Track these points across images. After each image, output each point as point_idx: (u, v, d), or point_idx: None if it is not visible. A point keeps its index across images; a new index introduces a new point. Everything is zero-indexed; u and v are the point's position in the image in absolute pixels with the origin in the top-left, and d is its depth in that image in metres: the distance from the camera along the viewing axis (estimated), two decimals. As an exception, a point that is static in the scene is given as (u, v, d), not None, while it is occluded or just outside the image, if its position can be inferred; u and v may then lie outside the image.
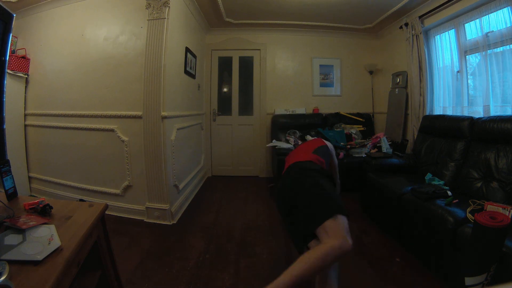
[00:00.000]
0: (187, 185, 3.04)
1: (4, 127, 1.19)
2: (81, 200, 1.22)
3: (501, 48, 2.30)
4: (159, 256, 1.94)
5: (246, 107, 4.20)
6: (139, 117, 2.42)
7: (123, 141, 2.50)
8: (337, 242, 1.08)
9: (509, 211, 1.46)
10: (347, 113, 4.04)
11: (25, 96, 2.92)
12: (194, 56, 3.32)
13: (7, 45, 1.12)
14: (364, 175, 2.66)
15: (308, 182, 1.39)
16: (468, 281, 1.22)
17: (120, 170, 2.55)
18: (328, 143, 1.92)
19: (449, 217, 1.58)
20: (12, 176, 1.14)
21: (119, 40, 2.52)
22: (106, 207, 1.14)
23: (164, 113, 2.38)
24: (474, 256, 1.23)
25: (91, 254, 1.04)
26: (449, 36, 2.91)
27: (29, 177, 3.02)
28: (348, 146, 3.42)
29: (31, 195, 2.95)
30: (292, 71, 4.20)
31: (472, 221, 1.37)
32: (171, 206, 2.51)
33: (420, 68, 3.15)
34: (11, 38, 1.16)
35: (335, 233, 1.12)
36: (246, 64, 4.17)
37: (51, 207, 1.04)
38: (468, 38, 2.69)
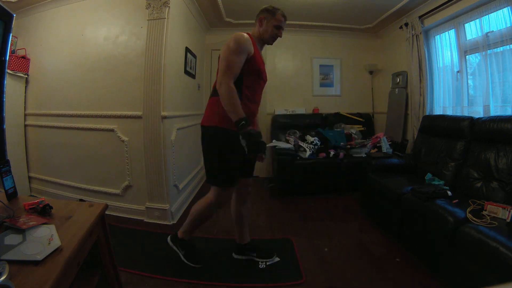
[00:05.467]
0: (187, 185, 3.04)
1: (4, 127, 1.19)
2: (81, 200, 1.21)
3: (501, 48, 2.31)
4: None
5: (246, 107, 4.19)
6: (139, 117, 2.42)
7: (123, 141, 2.50)
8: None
9: (509, 211, 1.46)
10: (347, 113, 4.04)
11: (25, 96, 2.91)
12: (194, 56, 3.32)
13: (7, 45, 1.12)
14: (364, 175, 2.66)
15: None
16: None
17: (120, 170, 2.55)
18: None
19: (449, 217, 1.58)
20: (12, 176, 1.14)
21: (119, 40, 2.52)
22: (106, 207, 1.14)
23: (164, 113, 2.38)
24: None
25: (91, 254, 1.04)
26: (449, 36, 2.91)
27: (29, 177, 3.02)
28: (348, 146, 3.42)
29: (31, 195, 2.95)
30: (292, 71, 4.19)
31: (472, 221, 1.36)
32: (171, 206, 2.51)
33: (420, 68, 3.15)
34: (11, 38, 1.16)
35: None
36: (246, 64, 4.16)
37: (51, 207, 1.04)
38: (468, 38, 2.69)
